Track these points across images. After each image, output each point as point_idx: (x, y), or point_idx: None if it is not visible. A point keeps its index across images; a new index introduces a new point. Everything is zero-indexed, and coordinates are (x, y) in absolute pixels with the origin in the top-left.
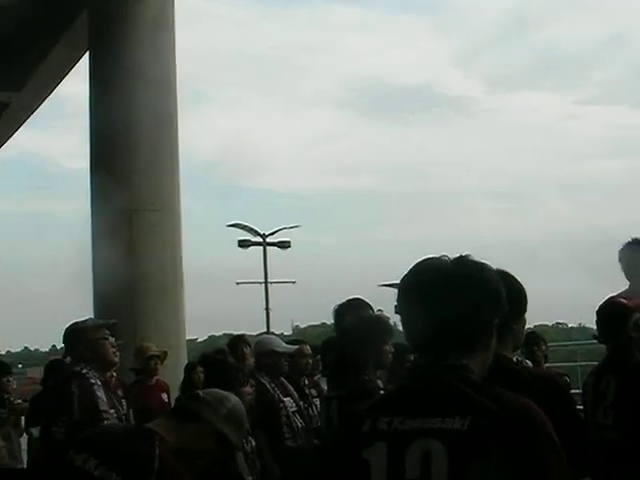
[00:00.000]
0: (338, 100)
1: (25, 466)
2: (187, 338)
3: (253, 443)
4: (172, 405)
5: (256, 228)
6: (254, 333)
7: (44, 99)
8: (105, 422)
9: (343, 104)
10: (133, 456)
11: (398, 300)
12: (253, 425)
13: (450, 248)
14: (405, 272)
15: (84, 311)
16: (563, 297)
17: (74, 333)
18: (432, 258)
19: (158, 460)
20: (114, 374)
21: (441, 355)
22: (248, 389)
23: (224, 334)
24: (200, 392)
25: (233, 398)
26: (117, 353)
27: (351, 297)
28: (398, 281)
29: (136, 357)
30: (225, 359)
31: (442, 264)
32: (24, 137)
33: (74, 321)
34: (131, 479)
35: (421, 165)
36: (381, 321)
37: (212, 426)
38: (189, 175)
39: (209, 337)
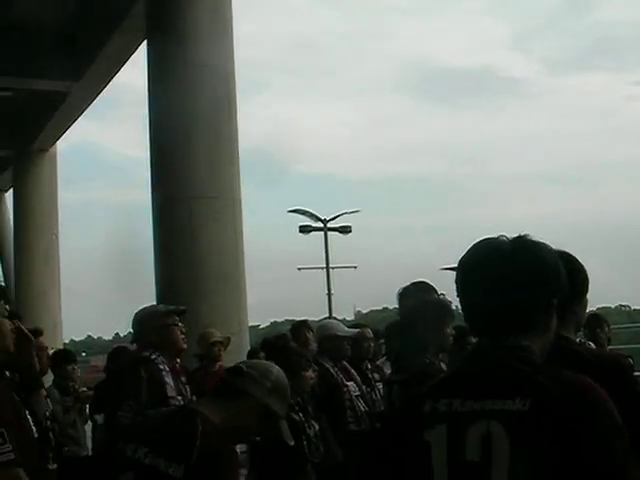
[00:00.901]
0: (395, 84)
1: (90, 453)
2: (249, 325)
3: (317, 427)
4: None
5: (317, 213)
6: (316, 319)
7: (103, 88)
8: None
9: (400, 88)
10: (176, 438)
11: (457, 281)
12: (316, 409)
13: (509, 231)
14: (464, 253)
15: (146, 300)
16: (626, 279)
17: (144, 318)
18: (490, 238)
19: (200, 439)
20: (178, 360)
21: (501, 336)
22: (310, 374)
23: (286, 320)
24: (243, 366)
25: (275, 369)
26: (185, 340)
27: (415, 280)
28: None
29: (200, 343)
30: (287, 344)
31: (501, 244)
32: (83, 127)
33: (144, 306)
34: (176, 461)
35: (479, 148)
36: (443, 304)
37: (258, 401)
38: (249, 162)
39: (271, 323)
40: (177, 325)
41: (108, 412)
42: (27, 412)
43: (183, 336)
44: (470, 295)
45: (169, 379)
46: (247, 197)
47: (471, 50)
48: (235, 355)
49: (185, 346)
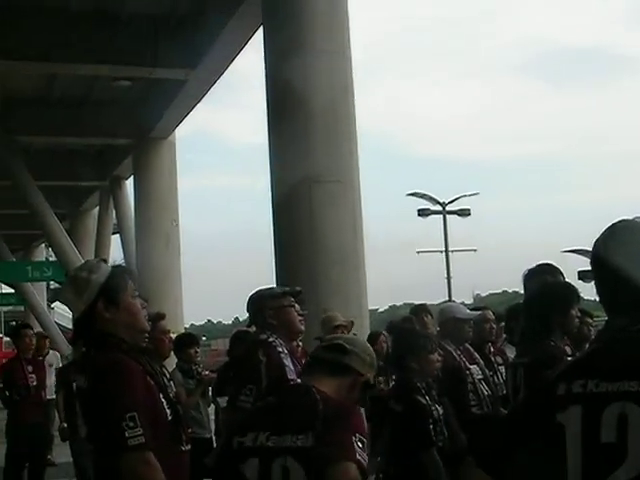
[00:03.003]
0: (514, 65)
1: (212, 435)
2: (368, 308)
3: (440, 411)
4: None
5: (435, 196)
6: (435, 302)
7: (220, 75)
8: None
9: (519, 69)
10: (298, 411)
11: (592, 263)
12: (440, 393)
13: (632, 212)
14: (601, 234)
15: (266, 284)
16: None
17: (260, 300)
18: (626, 220)
19: (321, 405)
20: (300, 343)
21: (635, 318)
22: (436, 356)
23: (404, 304)
24: (343, 343)
25: (367, 344)
26: (303, 321)
27: (541, 262)
28: (582, 247)
29: (323, 327)
30: (413, 327)
31: (636, 226)
32: (202, 113)
33: (259, 288)
34: (303, 432)
35: (599, 128)
36: (568, 286)
37: (362, 375)
38: (366, 145)
39: (390, 307)
40: (293, 306)
41: (231, 396)
42: (161, 395)
43: (300, 317)
44: (604, 276)
45: (288, 361)
46: (365, 181)
47: (591, 29)
48: None
49: (302, 327)
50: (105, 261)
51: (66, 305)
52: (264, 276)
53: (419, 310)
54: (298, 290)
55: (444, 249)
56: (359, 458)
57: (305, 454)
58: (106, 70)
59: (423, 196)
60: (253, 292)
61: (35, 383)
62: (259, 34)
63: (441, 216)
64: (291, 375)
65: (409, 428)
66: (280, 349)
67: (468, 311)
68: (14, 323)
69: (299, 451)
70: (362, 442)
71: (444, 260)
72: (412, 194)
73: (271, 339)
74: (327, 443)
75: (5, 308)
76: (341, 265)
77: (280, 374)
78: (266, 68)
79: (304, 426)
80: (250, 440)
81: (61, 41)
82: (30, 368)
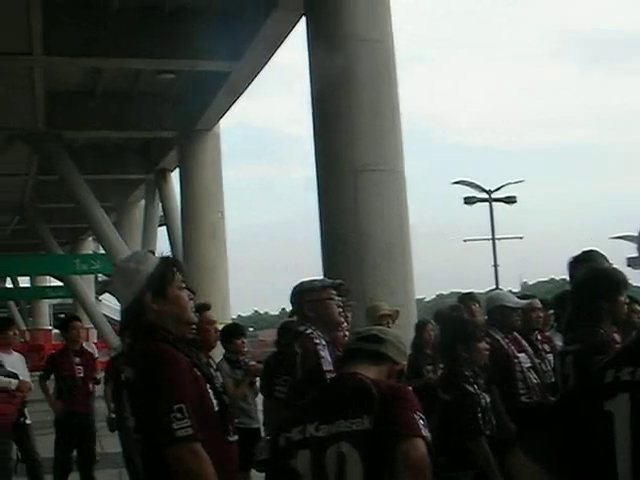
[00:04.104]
0: (553, 51)
1: (260, 426)
2: (415, 297)
3: (488, 399)
4: None
5: (481, 184)
6: (482, 290)
7: (263, 67)
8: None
9: (556, 55)
10: (350, 397)
11: (638, 249)
12: (488, 381)
13: None
14: None
15: (312, 274)
16: None
17: (300, 293)
18: None
19: (375, 388)
20: (346, 333)
21: None
22: (484, 345)
23: (452, 292)
24: (377, 332)
25: (397, 332)
26: (343, 313)
27: (586, 249)
28: (630, 233)
29: (368, 316)
30: (461, 315)
31: None
32: (245, 105)
33: (301, 281)
34: (358, 416)
35: None
36: (616, 272)
37: (397, 364)
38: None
39: (437, 296)
40: (333, 299)
41: (268, 387)
42: (208, 386)
43: (340, 309)
44: None
45: (325, 353)
46: (408, 169)
47: (631, 13)
48: (402, 328)
49: (342, 319)
50: (153, 252)
51: (114, 296)
52: (311, 266)
53: (467, 298)
54: (339, 282)
55: (491, 237)
56: (425, 434)
57: (362, 437)
58: (150, 63)
59: (469, 184)
60: (295, 285)
61: (82, 375)
62: (300, 25)
63: (487, 204)
64: (327, 366)
65: (458, 417)
66: (317, 341)
67: (516, 299)
68: (63, 315)
69: (355, 435)
70: (423, 420)
71: (491, 248)
72: (458, 182)
73: (309, 331)
74: (390, 422)
75: (54, 301)
76: (387, 254)
77: (316, 365)
78: (309, 59)
79: (357, 410)
80: (297, 433)
81: (105, 36)
82: (77, 360)
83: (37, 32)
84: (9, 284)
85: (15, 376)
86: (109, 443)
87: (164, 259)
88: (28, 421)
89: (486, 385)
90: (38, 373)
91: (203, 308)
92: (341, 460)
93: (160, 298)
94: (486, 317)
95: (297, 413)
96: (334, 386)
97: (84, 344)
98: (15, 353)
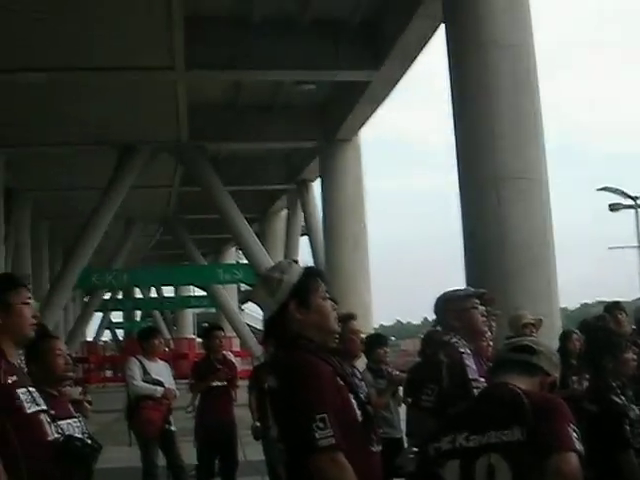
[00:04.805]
0: None
1: (403, 435)
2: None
3: (637, 412)
4: None
5: (627, 191)
6: (629, 300)
7: (403, 75)
8: (474, 391)
9: None
10: (500, 408)
11: None
12: (636, 393)
13: None
14: None
15: (455, 284)
16: None
17: (444, 303)
18: None
19: (528, 399)
20: (490, 343)
21: None
22: (631, 355)
23: (597, 302)
24: (530, 343)
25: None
26: (487, 322)
27: None
28: None
29: (511, 325)
30: (606, 325)
31: None
32: (385, 114)
33: (445, 291)
34: (508, 427)
35: None
36: None
37: (549, 376)
38: (551, 141)
39: (581, 305)
40: (476, 308)
41: (414, 396)
42: (351, 396)
43: (484, 318)
44: None
45: (470, 362)
46: (551, 177)
47: None
48: (546, 338)
49: (485, 329)
50: (297, 262)
51: (258, 305)
52: (454, 275)
53: (613, 308)
54: (482, 292)
55: (637, 244)
56: (579, 448)
57: (512, 449)
58: (290, 75)
59: (615, 191)
60: (439, 295)
61: (225, 383)
62: (439, 34)
63: (632, 211)
64: (472, 375)
65: (605, 429)
66: (462, 350)
67: None
68: (206, 324)
69: (505, 446)
70: (576, 432)
71: (637, 256)
72: (602, 189)
73: (454, 340)
74: (543, 434)
75: (197, 310)
76: (530, 263)
77: (461, 374)
78: (449, 67)
79: (508, 421)
80: (447, 443)
81: (245, 49)
82: (220, 368)
83: (179, 48)
84: (154, 294)
85: (160, 384)
86: (253, 451)
87: (308, 269)
88: (173, 428)
89: (635, 397)
90: (185, 381)
91: (348, 318)
92: (490, 471)
93: (304, 308)
94: (634, 327)
95: (446, 423)
96: (485, 396)
97: (225, 353)
98: (160, 361)
